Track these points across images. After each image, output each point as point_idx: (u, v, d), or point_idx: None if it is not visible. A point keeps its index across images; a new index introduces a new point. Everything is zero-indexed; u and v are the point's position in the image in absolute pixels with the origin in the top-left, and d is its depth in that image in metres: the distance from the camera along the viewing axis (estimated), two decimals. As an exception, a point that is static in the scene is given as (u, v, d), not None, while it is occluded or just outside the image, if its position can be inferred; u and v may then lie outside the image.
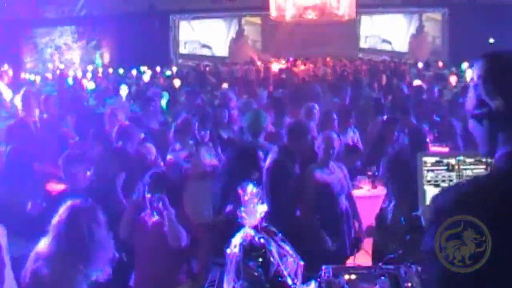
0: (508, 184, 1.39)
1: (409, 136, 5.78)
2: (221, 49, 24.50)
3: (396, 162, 3.97)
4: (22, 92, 6.17)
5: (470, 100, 1.50)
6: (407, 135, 5.84)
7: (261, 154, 4.32)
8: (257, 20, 24.46)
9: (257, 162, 4.23)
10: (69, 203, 3.00)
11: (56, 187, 5.28)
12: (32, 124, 5.79)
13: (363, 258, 3.80)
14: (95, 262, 2.91)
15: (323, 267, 2.94)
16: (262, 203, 2.69)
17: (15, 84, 12.59)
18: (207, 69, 19.40)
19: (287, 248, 2.77)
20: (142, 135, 5.71)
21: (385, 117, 6.81)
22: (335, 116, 5.92)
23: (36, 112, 6.31)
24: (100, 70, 19.36)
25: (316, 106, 6.66)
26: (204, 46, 24.62)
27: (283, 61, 21.47)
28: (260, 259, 2.54)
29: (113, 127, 5.71)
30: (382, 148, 5.53)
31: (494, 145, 1.47)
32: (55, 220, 2.96)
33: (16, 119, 5.94)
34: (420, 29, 23.86)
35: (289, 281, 2.61)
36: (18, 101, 8.92)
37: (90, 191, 3.95)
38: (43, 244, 2.97)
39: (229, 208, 3.86)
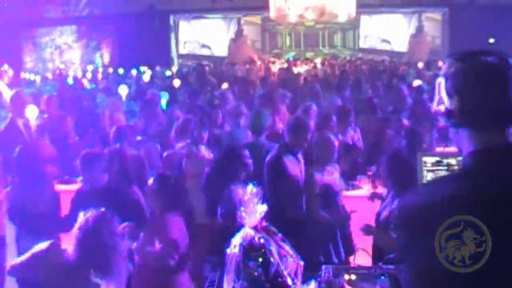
0: (471, 183, 1.41)
1: (406, 137, 5.79)
2: (221, 49, 24.52)
3: (395, 161, 3.96)
4: (13, 92, 6.05)
5: (435, 97, 1.53)
6: (403, 136, 5.84)
7: (246, 152, 4.34)
8: (257, 20, 24.48)
9: (243, 161, 4.24)
10: (90, 213, 2.99)
11: (59, 187, 5.30)
12: (22, 126, 5.70)
13: (363, 258, 3.79)
14: (115, 274, 2.93)
15: (323, 267, 2.95)
16: (262, 203, 2.68)
17: (15, 84, 12.58)
18: (207, 69, 19.39)
19: (287, 248, 2.77)
20: (139, 138, 5.70)
21: (377, 116, 6.79)
22: (334, 119, 5.91)
23: (33, 112, 6.27)
24: (100, 70, 19.36)
25: (314, 106, 6.66)
26: (203, 46, 24.65)
27: (283, 61, 21.49)
28: (260, 259, 2.54)
29: (110, 128, 5.75)
30: (377, 147, 5.57)
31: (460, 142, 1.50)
32: (77, 229, 2.96)
33: (6, 123, 5.82)
34: (419, 29, 23.88)
35: (289, 281, 2.61)
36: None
37: (106, 191, 3.98)
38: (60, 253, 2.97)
39: (221, 211, 3.87)
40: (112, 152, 4.86)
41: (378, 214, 3.94)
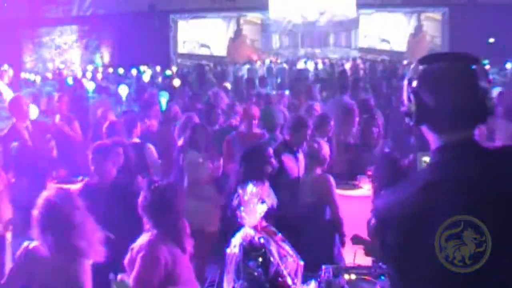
0: (435, 175, 1.45)
1: (416, 136, 5.78)
2: (220, 49, 24.52)
3: (386, 162, 3.90)
4: (12, 97, 5.92)
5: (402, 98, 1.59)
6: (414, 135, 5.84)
7: (270, 151, 4.12)
8: (257, 19, 24.48)
9: (267, 160, 4.03)
10: (45, 196, 2.95)
11: (57, 185, 5.30)
12: (24, 130, 5.65)
13: (363, 258, 3.79)
14: (86, 246, 2.92)
15: (323, 267, 2.94)
16: (262, 203, 2.69)
17: (15, 84, 12.57)
18: (206, 68, 19.41)
19: (287, 248, 2.77)
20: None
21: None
22: (332, 122, 5.90)
23: (33, 112, 6.25)
24: (100, 70, 19.36)
25: (317, 105, 6.67)
26: (202, 45, 24.64)
27: (283, 61, 21.49)
28: (260, 259, 2.54)
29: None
30: (365, 147, 5.59)
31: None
32: (39, 215, 2.91)
33: (8, 127, 5.75)
34: (419, 28, 23.88)
35: (289, 281, 2.61)
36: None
37: (115, 186, 3.96)
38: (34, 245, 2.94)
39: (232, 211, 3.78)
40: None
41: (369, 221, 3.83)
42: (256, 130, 5.54)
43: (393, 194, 1.51)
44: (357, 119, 6.28)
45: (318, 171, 4.51)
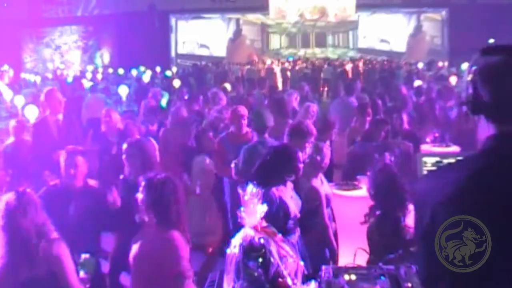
0: (479, 163, 1.45)
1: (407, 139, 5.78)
2: (219, 49, 24.53)
3: (381, 177, 3.77)
4: (46, 90, 5.93)
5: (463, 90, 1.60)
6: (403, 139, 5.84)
7: (300, 155, 3.92)
8: (256, 20, 24.50)
9: (293, 163, 3.86)
10: (9, 197, 2.88)
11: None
12: (53, 124, 5.60)
13: (363, 258, 3.78)
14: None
15: (323, 267, 2.94)
16: (262, 203, 2.68)
17: (15, 84, 12.58)
18: (206, 68, 19.45)
19: (287, 248, 2.77)
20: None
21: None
22: (335, 129, 5.94)
23: (33, 112, 6.26)
24: (100, 70, 19.36)
25: (315, 106, 6.69)
26: (202, 46, 24.66)
27: (283, 61, 21.50)
28: (260, 259, 2.53)
29: (109, 128, 5.74)
30: (368, 150, 5.58)
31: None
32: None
33: (40, 118, 5.75)
34: (418, 28, 23.89)
35: (289, 281, 2.61)
36: (18, 101, 8.92)
37: (85, 191, 3.86)
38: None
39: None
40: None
41: (369, 229, 3.74)
42: (246, 130, 5.56)
43: (436, 179, 1.51)
44: (368, 118, 6.29)
45: (314, 181, 4.44)
